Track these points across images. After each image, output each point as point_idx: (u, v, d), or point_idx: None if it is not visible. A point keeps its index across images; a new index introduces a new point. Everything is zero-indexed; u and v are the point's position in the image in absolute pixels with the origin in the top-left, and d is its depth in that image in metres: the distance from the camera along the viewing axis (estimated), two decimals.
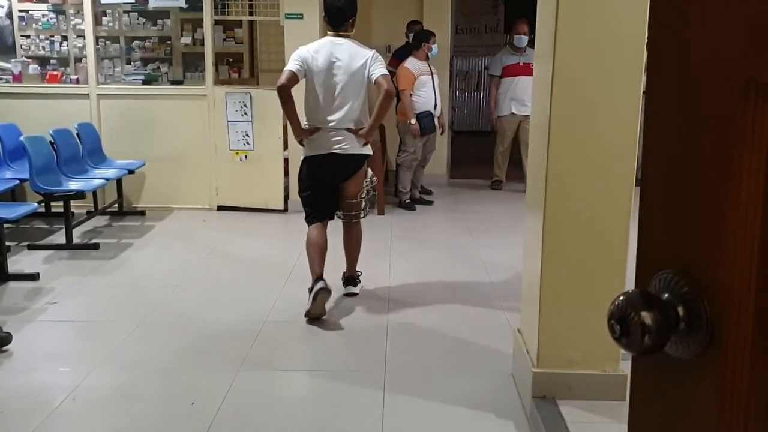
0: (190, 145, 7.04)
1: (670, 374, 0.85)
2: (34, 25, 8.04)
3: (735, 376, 0.73)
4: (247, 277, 5.16)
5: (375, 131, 4.44)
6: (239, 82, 8.17)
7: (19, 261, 5.41)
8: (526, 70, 7.40)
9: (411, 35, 7.61)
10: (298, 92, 4.29)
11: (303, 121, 4.36)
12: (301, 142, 4.41)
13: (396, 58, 7.70)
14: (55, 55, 8.06)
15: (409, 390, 3.40)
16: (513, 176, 8.22)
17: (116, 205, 6.93)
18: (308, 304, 4.24)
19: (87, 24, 7.01)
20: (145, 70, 8.08)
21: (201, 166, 7.06)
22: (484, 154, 10.58)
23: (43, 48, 8.07)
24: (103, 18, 8.03)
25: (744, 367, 0.73)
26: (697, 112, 0.80)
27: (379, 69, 4.26)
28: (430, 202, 7.57)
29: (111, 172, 6.49)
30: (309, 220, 4.45)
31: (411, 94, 7.03)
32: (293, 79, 4.22)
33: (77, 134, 6.52)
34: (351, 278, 4.75)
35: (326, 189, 4.42)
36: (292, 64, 4.26)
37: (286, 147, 6.95)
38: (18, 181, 6.07)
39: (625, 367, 3.08)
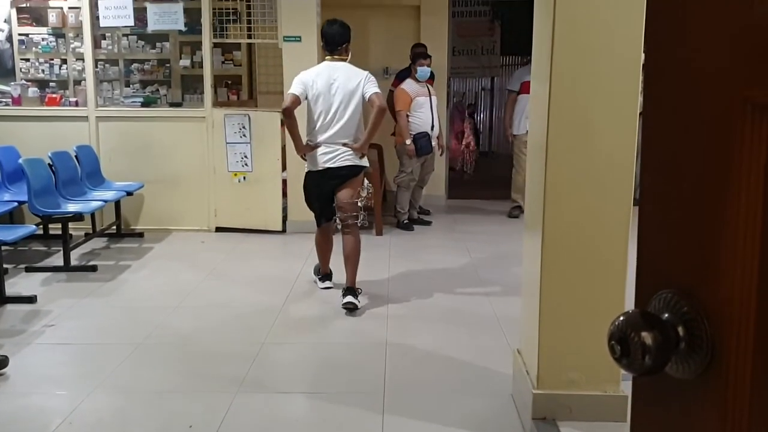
0: (189, 167, 7.05)
1: (671, 395, 0.85)
2: (33, 48, 8.07)
3: (736, 396, 0.73)
4: (246, 299, 5.14)
5: (368, 145, 4.90)
6: (238, 104, 8.20)
7: (17, 283, 5.39)
8: None
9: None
10: (301, 112, 4.75)
11: (305, 138, 4.83)
12: (303, 157, 4.89)
13: (398, 80, 7.75)
14: (55, 78, 8.09)
15: (408, 412, 3.38)
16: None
17: (114, 227, 6.93)
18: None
19: (86, 47, 7.05)
20: (144, 93, 8.11)
21: (199, 188, 7.07)
22: (483, 174, 10.59)
23: (43, 71, 8.10)
24: (103, 41, 8.06)
25: (745, 386, 0.72)
26: (695, 132, 0.80)
27: (372, 88, 4.74)
28: (428, 223, 7.57)
29: (109, 194, 6.49)
30: (320, 222, 5.05)
31: (407, 115, 7.06)
32: (296, 101, 4.68)
33: (76, 156, 6.53)
34: (351, 289, 4.89)
35: (328, 196, 4.91)
36: (294, 88, 4.74)
37: (284, 168, 6.96)
38: (16, 204, 6.06)
39: (626, 387, 3.06)
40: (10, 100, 7.21)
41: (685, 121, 0.82)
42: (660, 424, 0.89)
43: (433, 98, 7.24)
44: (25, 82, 7.60)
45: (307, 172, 4.92)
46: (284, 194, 7.03)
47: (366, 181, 4.94)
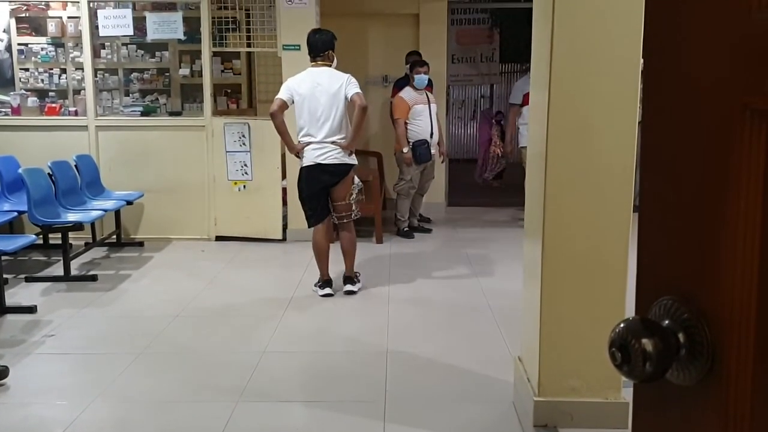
0: (189, 176, 7.05)
1: (672, 401, 0.85)
2: (33, 58, 8.09)
3: (737, 402, 0.73)
4: (246, 308, 5.14)
5: (356, 142, 5.29)
6: (237, 113, 8.20)
7: (17, 293, 5.39)
8: None
9: (408, 66, 7.67)
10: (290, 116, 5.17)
11: (296, 139, 5.20)
12: (297, 155, 5.23)
13: (397, 88, 7.75)
14: (54, 88, 8.10)
15: (409, 420, 3.37)
16: (515, 203, 8.22)
17: (114, 237, 6.92)
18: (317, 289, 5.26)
19: (86, 56, 7.06)
20: (144, 102, 8.12)
21: (199, 197, 7.07)
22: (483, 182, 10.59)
23: (42, 80, 8.12)
24: (102, 50, 8.08)
25: (746, 393, 0.72)
26: (694, 138, 0.80)
27: (353, 89, 5.11)
28: (428, 230, 7.57)
29: (109, 204, 6.49)
30: (310, 223, 5.28)
31: (406, 123, 7.06)
32: (283, 106, 5.11)
33: (76, 166, 6.53)
34: (349, 278, 5.38)
35: (320, 192, 5.20)
36: (281, 93, 5.15)
37: (284, 177, 6.97)
38: (16, 213, 6.06)
39: (627, 394, 3.06)
40: (10, 109, 7.22)
41: (684, 128, 0.83)
42: (661, 430, 0.89)
43: (432, 106, 7.24)
44: (24, 91, 7.62)
45: (300, 168, 5.24)
46: (284, 203, 7.03)
47: (356, 178, 5.27)
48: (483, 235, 7.48)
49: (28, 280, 5.73)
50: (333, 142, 5.09)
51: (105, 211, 6.27)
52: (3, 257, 4.94)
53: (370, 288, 5.50)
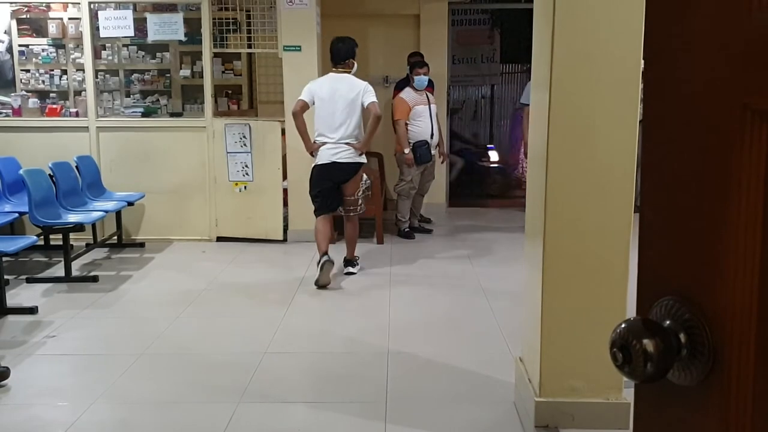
0: (190, 177, 7.05)
1: (674, 401, 0.85)
2: (34, 59, 8.10)
3: (738, 402, 0.73)
4: (247, 309, 5.14)
5: (368, 145, 5.75)
6: (238, 114, 8.21)
7: (18, 294, 5.39)
8: None
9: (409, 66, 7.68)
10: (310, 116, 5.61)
11: (313, 138, 5.62)
12: (312, 154, 5.63)
13: (398, 89, 7.76)
14: (55, 89, 8.11)
15: (410, 421, 3.37)
16: (517, 203, 8.22)
17: (115, 238, 6.93)
18: (317, 274, 5.42)
19: (86, 57, 7.06)
20: (145, 103, 8.13)
21: (200, 198, 7.07)
22: (483, 182, 10.60)
23: (43, 82, 8.13)
24: (103, 51, 8.09)
25: (747, 393, 0.72)
26: (695, 139, 0.80)
27: (369, 97, 5.52)
28: (429, 231, 7.57)
29: (110, 205, 6.49)
30: (317, 213, 5.68)
31: (406, 124, 7.07)
32: (304, 107, 5.54)
33: (76, 167, 6.54)
34: (349, 261, 5.88)
35: (330, 189, 5.62)
36: (303, 95, 5.58)
37: (285, 177, 6.97)
38: (17, 215, 6.06)
39: (629, 394, 3.06)
40: (11, 111, 7.22)
41: (685, 128, 0.83)
42: (662, 431, 0.89)
43: (433, 106, 7.24)
44: (25, 92, 7.62)
45: (314, 166, 5.66)
46: (285, 203, 7.03)
47: (364, 176, 5.76)
48: (484, 235, 7.47)
49: (29, 281, 5.73)
50: (347, 143, 5.52)
51: (106, 212, 6.27)
52: (4, 258, 4.94)
53: (370, 288, 5.50)
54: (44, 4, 7.88)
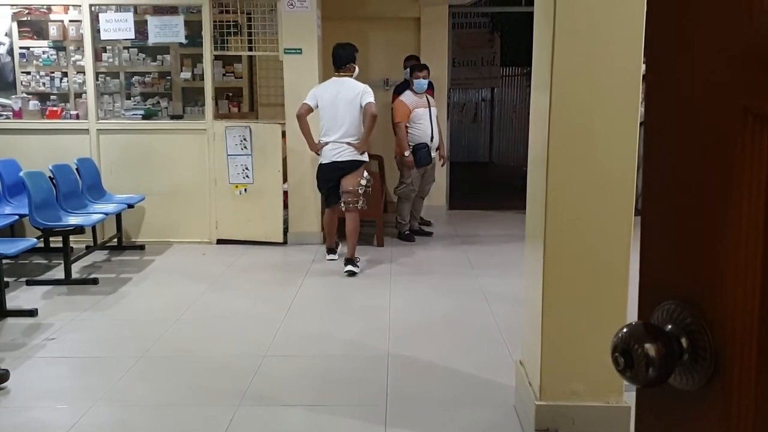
0: (190, 179, 7.05)
1: (675, 406, 0.84)
2: (34, 61, 8.11)
3: (740, 407, 0.73)
4: (247, 311, 5.14)
5: (366, 143, 6.09)
6: (239, 116, 8.21)
7: (18, 297, 5.39)
8: None
9: (407, 70, 7.68)
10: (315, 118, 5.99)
11: (317, 138, 6.04)
12: (317, 153, 6.09)
13: (397, 93, 7.76)
14: (55, 91, 8.12)
15: (410, 424, 3.37)
16: (519, 206, 8.21)
17: (115, 240, 6.92)
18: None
19: (87, 60, 7.07)
20: (145, 105, 8.14)
21: (201, 200, 7.07)
22: (484, 184, 10.61)
23: (44, 84, 8.13)
24: (103, 54, 8.10)
25: (749, 397, 0.72)
26: (695, 142, 0.80)
27: (367, 98, 5.93)
28: (429, 233, 7.56)
29: (110, 207, 6.49)
30: (325, 205, 6.37)
31: (406, 127, 7.07)
32: (308, 110, 5.99)
33: (77, 169, 6.54)
34: (350, 260, 6.00)
35: (334, 187, 6.10)
36: (307, 99, 6.01)
37: (285, 180, 6.97)
38: (17, 217, 6.06)
39: (629, 398, 3.05)
40: (11, 113, 7.22)
41: (685, 131, 0.82)
42: None
43: (433, 109, 7.25)
44: (25, 95, 7.63)
45: (319, 164, 6.14)
46: (285, 206, 7.03)
47: (365, 172, 6.07)
48: (484, 238, 7.47)
49: (29, 283, 5.73)
50: (347, 143, 5.95)
51: (106, 214, 6.26)
52: (4, 260, 4.94)
53: (370, 291, 5.50)
54: (45, 7, 7.89)
